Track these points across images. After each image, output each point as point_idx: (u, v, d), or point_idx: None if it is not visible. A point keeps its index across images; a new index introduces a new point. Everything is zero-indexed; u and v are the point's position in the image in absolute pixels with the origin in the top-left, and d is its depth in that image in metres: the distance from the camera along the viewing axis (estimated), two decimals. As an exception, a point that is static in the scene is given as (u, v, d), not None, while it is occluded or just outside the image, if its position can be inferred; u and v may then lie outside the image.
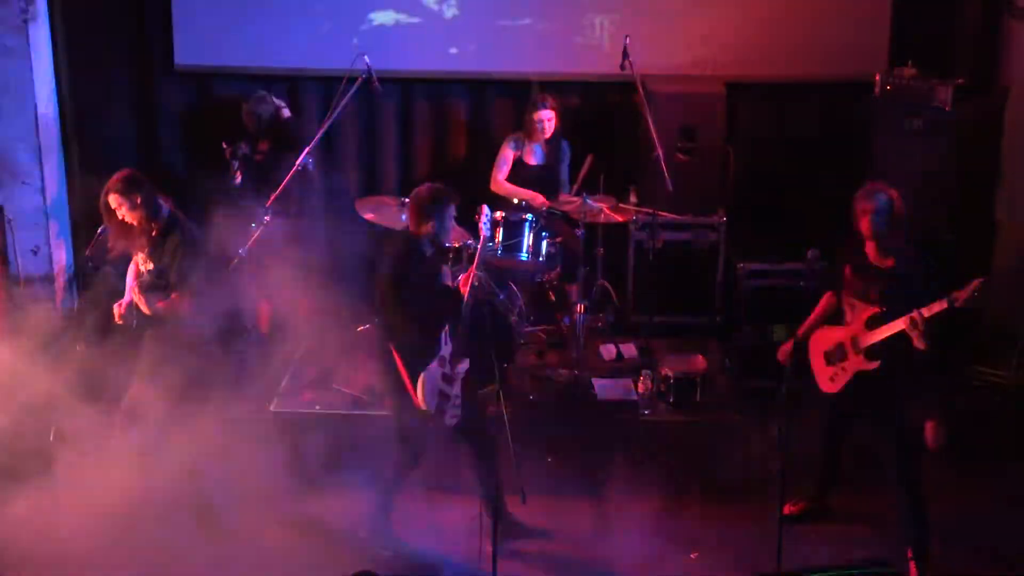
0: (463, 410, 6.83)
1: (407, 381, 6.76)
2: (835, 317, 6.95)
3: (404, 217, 8.16)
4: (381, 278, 6.76)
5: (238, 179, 8.60)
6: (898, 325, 6.54)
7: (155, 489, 7.03)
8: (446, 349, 6.78)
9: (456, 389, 6.81)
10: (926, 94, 8.38)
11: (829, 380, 6.94)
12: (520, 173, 8.82)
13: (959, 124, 8.31)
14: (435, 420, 6.81)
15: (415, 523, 7.27)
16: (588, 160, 8.70)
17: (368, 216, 8.34)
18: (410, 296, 6.63)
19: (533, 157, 8.82)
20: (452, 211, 6.76)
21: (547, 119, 8.69)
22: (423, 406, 6.74)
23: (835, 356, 6.87)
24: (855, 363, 6.78)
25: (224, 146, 8.64)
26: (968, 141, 8.40)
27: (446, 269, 6.95)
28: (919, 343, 6.45)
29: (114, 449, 7.13)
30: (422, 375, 6.72)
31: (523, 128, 8.81)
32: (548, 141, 8.78)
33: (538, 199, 8.59)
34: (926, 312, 6.45)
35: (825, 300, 6.99)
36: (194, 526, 6.98)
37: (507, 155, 8.84)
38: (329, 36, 9.21)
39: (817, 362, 7.00)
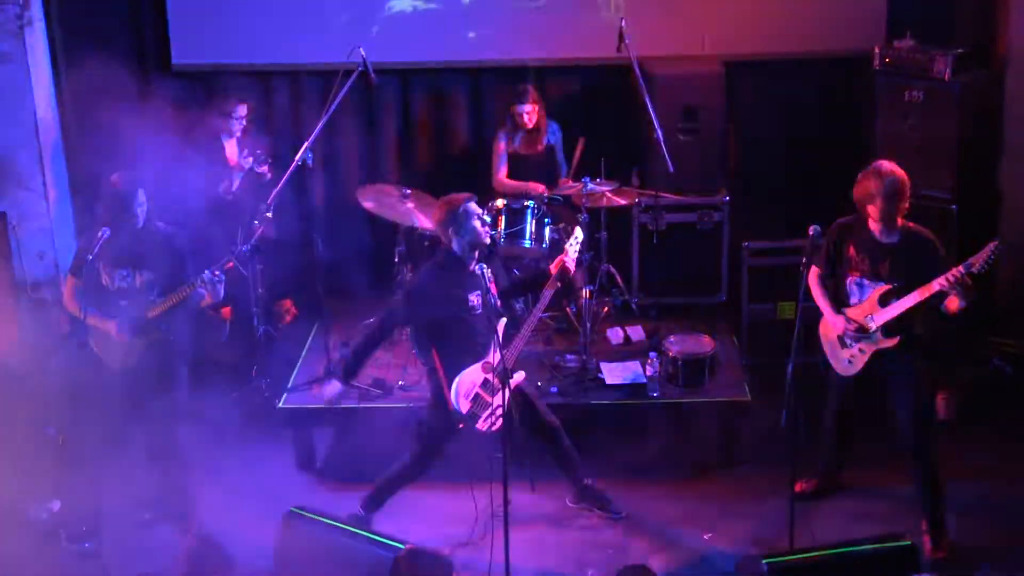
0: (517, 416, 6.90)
1: (443, 381, 6.84)
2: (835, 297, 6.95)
3: (404, 208, 8.21)
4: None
5: (235, 185, 8.61)
6: (914, 298, 6.54)
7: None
8: (493, 356, 6.81)
9: (499, 400, 6.77)
10: (925, 65, 8.34)
11: (848, 363, 6.91)
12: (517, 164, 8.82)
13: (960, 94, 8.27)
14: (466, 424, 6.85)
15: (428, 511, 7.30)
16: (580, 143, 8.67)
17: (368, 205, 8.34)
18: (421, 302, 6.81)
19: (525, 147, 8.81)
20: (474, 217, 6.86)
21: (527, 112, 8.68)
22: (453, 407, 6.81)
23: (850, 338, 6.84)
24: (874, 343, 6.76)
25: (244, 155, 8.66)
26: (969, 111, 8.35)
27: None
28: (963, 299, 6.43)
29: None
30: (457, 378, 6.80)
31: (507, 121, 8.82)
32: (537, 129, 8.76)
33: (538, 189, 8.59)
34: (944, 281, 6.41)
35: (820, 279, 6.95)
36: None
37: (501, 150, 8.84)
38: (327, 29, 9.18)
39: (831, 345, 6.97)
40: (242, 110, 8.71)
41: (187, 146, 8.36)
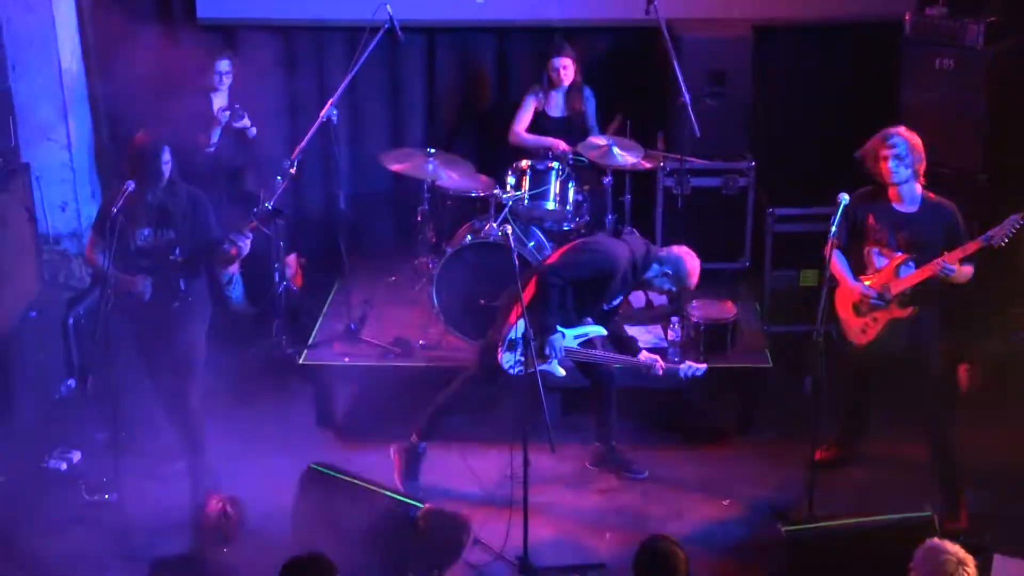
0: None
1: (520, 305, 6.63)
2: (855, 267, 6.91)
3: (431, 168, 8.15)
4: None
5: (214, 138, 8.55)
6: (929, 270, 6.50)
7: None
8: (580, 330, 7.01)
9: (541, 363, 6.87)
10: (957, 33, 8.25)
11: (860, 332, 6.89)
12: (543, 125, 8.74)
13: (991, 63, 8.18)
14: (496, 349, 6.91)
15: (446, 472, 7.31)
16: (617, 120, 8.60)
17: (395, 167, 8.27)
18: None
19: (555, 108, 8.74)
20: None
21: (563, 67, 8.60)
22: (505, 327, 6.89)
23: (865, 306, 6.81)
24: (888, 312, 6.73)
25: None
26: (1001, 79, 8.27)
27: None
28: (958, 280, 6.44)
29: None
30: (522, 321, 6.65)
31: (543, 79, 8.75)
32: (569, 90, 8.69)
33: (559, 145, 8.53)
34: (959, 253, 6.40)
35: (838, 251, 6.89)
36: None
37: (528, 107, 8.76)
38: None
39: (846, 314, 6.95)
40: (222, 65, 8.62)
41: (177, 99, 8.31)
